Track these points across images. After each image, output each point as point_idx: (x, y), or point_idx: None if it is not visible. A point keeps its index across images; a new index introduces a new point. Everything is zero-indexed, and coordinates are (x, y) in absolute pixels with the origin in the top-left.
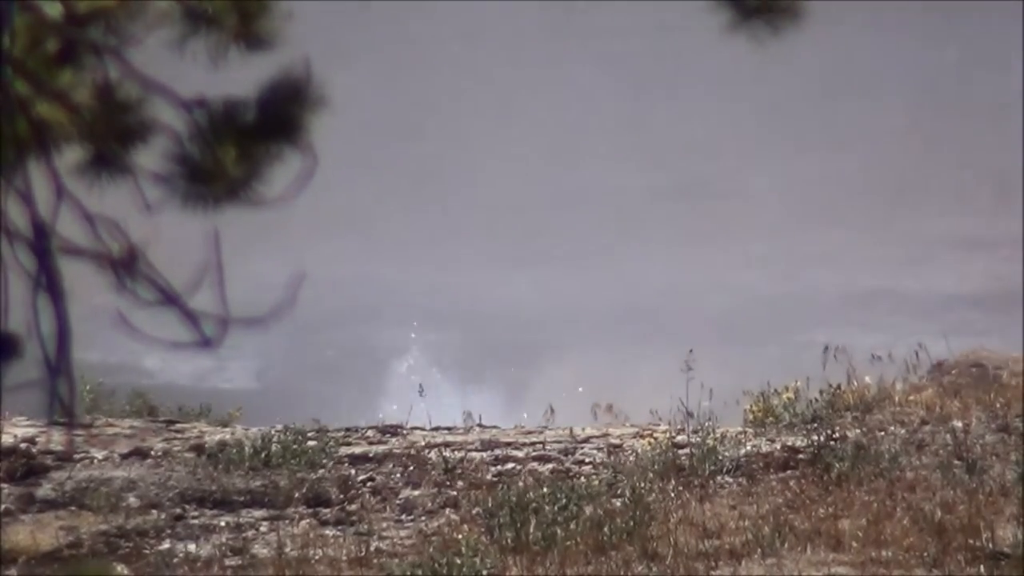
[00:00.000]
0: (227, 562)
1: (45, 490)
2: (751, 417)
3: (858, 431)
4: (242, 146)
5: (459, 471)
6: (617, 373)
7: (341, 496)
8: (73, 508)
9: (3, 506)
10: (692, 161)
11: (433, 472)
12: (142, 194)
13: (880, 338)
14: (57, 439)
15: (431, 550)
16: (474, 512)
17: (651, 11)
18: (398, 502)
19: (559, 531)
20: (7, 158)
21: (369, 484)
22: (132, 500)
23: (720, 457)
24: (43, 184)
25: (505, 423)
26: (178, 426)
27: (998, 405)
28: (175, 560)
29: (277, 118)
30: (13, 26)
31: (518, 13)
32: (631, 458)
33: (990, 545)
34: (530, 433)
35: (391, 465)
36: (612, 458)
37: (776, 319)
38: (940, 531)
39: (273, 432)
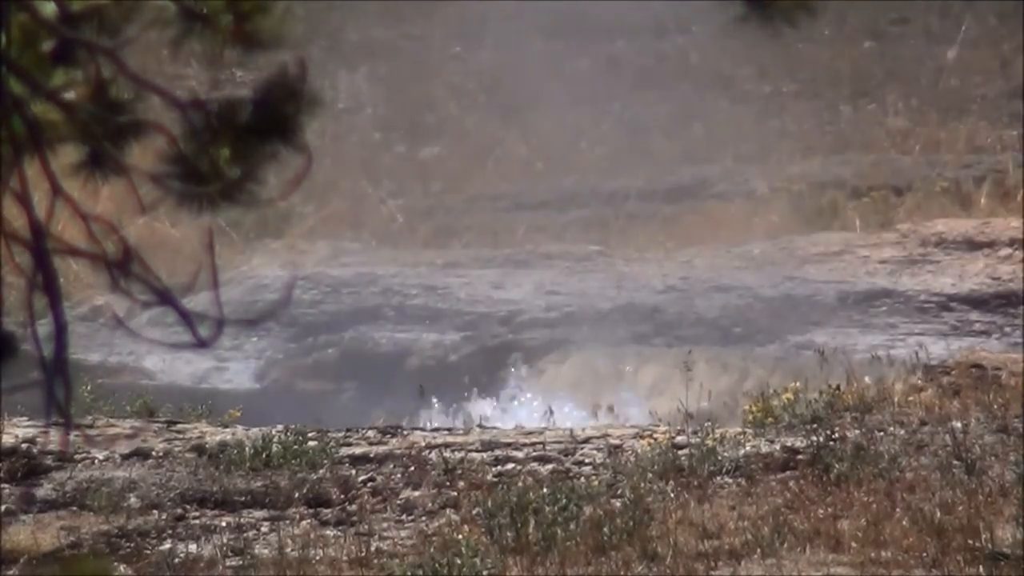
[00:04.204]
0: (228, 562)
1: (46, 490)
2: (750, 418)
3: (857, 432)
4: (238, 146)
5: (459, 471)
6: (617, 373)
7: (342, 496)
8: (74, 508)
9: (4, 506)
10: (692, 161)
11: (433, 472)
12: (137, 194)
13: (879, 339)
14: (56, 439)
15: (431, 550)
16: (474, 512)
17: (652, 11)
18: (398, 502)
19: (559, 531)
20: (2, 158)
21: (369, 484)
22: (133, 500)
23: (719, 458)
24: (39, 184)
25: (505, 424)
26: (179, 426)
27: (997, 406)
28: (176, 560)
29: (273, 118)
30: (8, 25)
31: (518, 12)
32: (631, 459)
33: (989, 546)
34: (530, 434)
35: (391, 466)
36: (612, 459)
37: (775, 319)
38: (939, 532)
39: (273, 432)
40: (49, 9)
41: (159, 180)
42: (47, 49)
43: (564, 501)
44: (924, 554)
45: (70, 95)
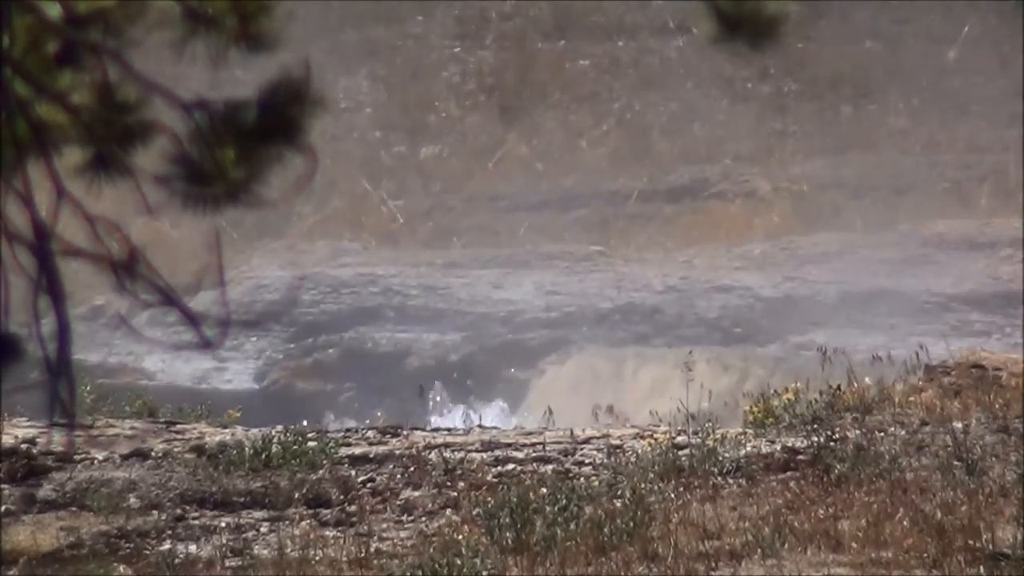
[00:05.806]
0: (228, 563)
1: (46, 491)
2: (751, 418)
3: (858, 432)
4: (242, 148)
5: (459, 472)
6: (617, 373)
7: (341, 497)
8: (74, 509)
9: (4, 507)
10: (692, 161)
11: (433, 473)
12: (143, 195)
13: (880, 339)
14: (58, 440)
15: (431, 551)
16: (474, 513)
17: (651, 11)
18: (398, 503)
19: (559, 532)
20: (7, 159)
21: (369, 485)
22: (133, 501)
23: (720, 458)
24: (43, 185)
25: (506, 424)
26: (178, 427)
27: (998, 406)
28: (176, 561)
29: (277, 120)
30: (13, 27)
31: (518, 12)
32: (631, 459)
33: (990, 546)
34: (530, 434)
35: (391, 466)
36: (612, 459)
37: (776, 320)
38: (940, 532)
39: (273, 433)
40: (54, 11)
41: (164, 181)
42: (52, 51)
43: (564, 501)
44: (925, 554)
45: (75, 97)
